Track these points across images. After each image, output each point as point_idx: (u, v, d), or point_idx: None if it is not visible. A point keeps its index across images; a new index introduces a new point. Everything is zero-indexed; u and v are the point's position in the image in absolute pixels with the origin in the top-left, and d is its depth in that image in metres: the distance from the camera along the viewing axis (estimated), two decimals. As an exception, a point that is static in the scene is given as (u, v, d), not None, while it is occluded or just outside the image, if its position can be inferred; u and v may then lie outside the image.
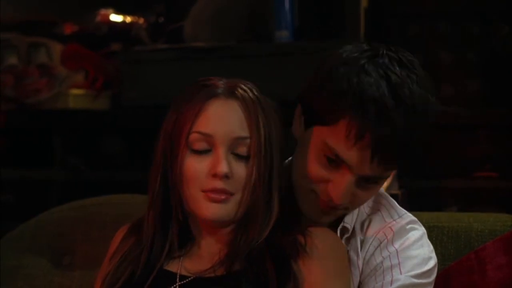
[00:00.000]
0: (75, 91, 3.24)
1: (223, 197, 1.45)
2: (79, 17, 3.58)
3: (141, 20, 3.38)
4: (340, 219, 1.58)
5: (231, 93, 1.49)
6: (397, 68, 1.44)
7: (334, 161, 1.47)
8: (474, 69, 3.18)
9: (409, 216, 1.60)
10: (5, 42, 3.35)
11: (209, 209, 1.46)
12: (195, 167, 1.47)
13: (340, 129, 1.44)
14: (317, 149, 1.48)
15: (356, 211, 1.58)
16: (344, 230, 1.58)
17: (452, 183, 3.07)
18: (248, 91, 1.50)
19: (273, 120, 1.50)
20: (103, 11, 3.45)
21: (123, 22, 3.42)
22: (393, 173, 2.64)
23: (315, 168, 1.49)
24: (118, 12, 3.44)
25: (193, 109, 1.48)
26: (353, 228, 1.58)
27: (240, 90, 1.49)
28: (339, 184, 1.47)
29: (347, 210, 1.54)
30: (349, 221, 1.58)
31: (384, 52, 1.47)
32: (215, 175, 1.45)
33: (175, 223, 1.52)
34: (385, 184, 2.59)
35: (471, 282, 1.68)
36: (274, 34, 2.90)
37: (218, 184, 1.45)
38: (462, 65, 3.19)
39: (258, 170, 1.47)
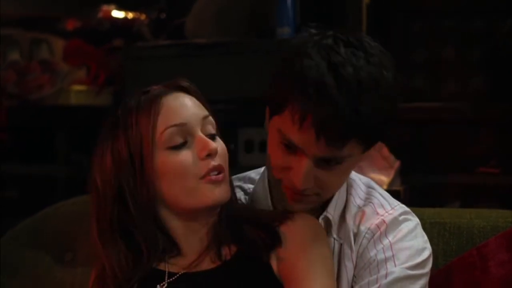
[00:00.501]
0: (77, 87, 3.24)
1: (221, 176, 1.48)
2: (81, 13, 3.58)
3: (143, 16, 3.38)
4: (322, 211, 1.58)
5: (175, 88, 1.53)
6: (342, 48, 1.45)
7: (290, 148, 1.48)
8: (477, 65, 3.18)
9: (402, 207, 1.59)
10: (7, 38, 3.35)
11: (214, 193, 1.47)
12: (181, 160, 1.47)
13: (287, 115, 1.46)
14: (275, 138, 1.51)
15: (339, 201, 1.58)
16: (327, 220, 1.58)
17: (454, 179, 3.07)
18: (186, 82, 1.54)
19: None
20: (105, 7, 3.45)
21: (125, 18, 3.42)
22: (395, 169, 2.65)
23: (277, 157, 1.51)
24: (120, 8, 3.44)
25: (148, 114, 1.48)
26: (345, 220, 1.58)
27: (182, 82, 1.53)
28: (298, 169, 1.48)
29: (319, 196, 1.53)
30: (332, 211, 1.58)
31: (331, 34, 1.48)
32: (208, 155, 1.47)
33: (159, 233, 1.50)
34: (387, 180, 2.60)
35: (473, 278, 1.68)
36: (276, 30, 2.89)
37: (214, 161, 1.47)
38: (465, 61, 3.19)
39: (224, 146, 1.53)
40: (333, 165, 1.49)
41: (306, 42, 1.48)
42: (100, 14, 3.45)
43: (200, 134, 1.49)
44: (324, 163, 1.48)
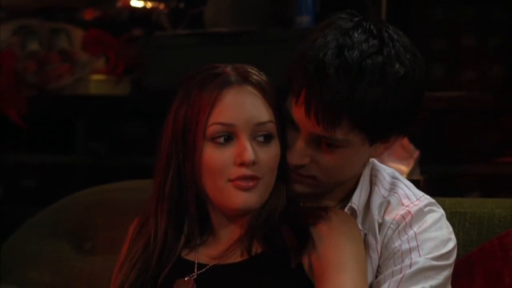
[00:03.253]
0: (96, 77, 3.25)
1: (252, 183, 1.45)
2: (100, 3, 3.58)
3: (162, 6, 3.38)
4: (347, 201, 1.58)
5: (244, 80, 1.48)
6: (357, 34, 1.45)
7: (293, 124, 1.50)
8: (497, 54, 3.15)
9: (427, 198, 1.59)
10: (27, 28, 3.36)
11: (239, 198, 1.46)
12: (219, 158, 1.46)
13: (291, 91, 1.50)
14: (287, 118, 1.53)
15: (363, 191, 1.58)
16: (352, 210, 1.58)
17: (474, 169, 3.05)
18: (260, 75, 1.50)
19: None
20: (124, -3, 3.45)
21: (144, 8, 3.42)
22: (415, 159, 2.64)
23: (287, 136, 1.53)
24: (139, -3, 3.45)
25: (208, 99, 1.46)
26: (370, 211, 1.57)
27: (253, 76, 1.49)
28: (292, 144, 1.51)
29: (317, 180, 1.53)
30: (356, 201, 1.58)
31: (356, 20, 1.48)
32: (242, 164, 1.44)
33: (193, 214, 1.52)
34: (407, 170, 2.59)
35: (495, 268, 1.67)
36: (295, 19, 2.88)
37: (247, 171, 1.45)
38: (485, 49, 3.16)
39: (279, 150, 1.49)
40: (330, 147, 1.49)
41: (330, 23, 1.49)
42: (119, 4, 3.45)
43: (244, 139, 1.45)
44: (319, 142, 1.49)
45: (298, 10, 2.89)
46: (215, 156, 1.46)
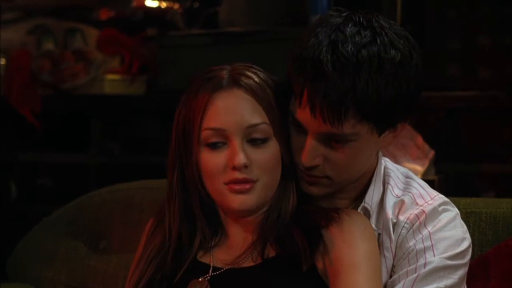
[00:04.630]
0: (111, 76, 3.26)
1: (247, 186, 1.46)
2: (115, 3, 3.59)
3: (177, 6, 3.39)
4: (361, 201, 1.58)
5: (235, 83, 1.49)
6: (348, 27, 1.46)
7: (298, 127, 1.50)
8: (512, 53, 3.14)
9: (442, 198, 1.58)
10: (42, 28, 3.37)
11: (235, 201, 1.47)
12: (213, 162, 1.47)
13: (293, 94, 1.50)
14: (289, 120, 1.52)
15: (376, 191, 1.58)
16: (366, 210, 1.57)
17: (489, 168, 3.04)
18: (253, 76, 1.50)
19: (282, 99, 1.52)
20: (138, -3, 3.46)
21: (159, 8, 3.43)
22: (430, 159, 2.63)
23: (291, 139, 1.53)
24: (153, -3, 3.45)
25: (199, 104, 1.48)
26: (384, 210, 1.57)
27: (244, 79, 1.49)
28: (302, 146, 1.50)
29: (331, 180, 1.53)
30: (369, 201, 1.58)
31: (345, 14, 1.49)
32: (234, 168, 1.45)
33: (199, 215, 1.53)
34: (422, 169, 2.58)
35: (510, 268, 1.66)
36: (309, 18, 2.88)
37: (239, 174, 1.46)
38: (500, 48, 3.15)
39: (277, 151, 1.49)
40: (341, 143, 1.49)
41: (320, 22, 1.49)
42: (134, 4, 3.46)
43: (236, 142, 1.46)
44: (329, 140, 1.49)
45: (312, 9, 2.88)
46: (210, 160, 1.47)
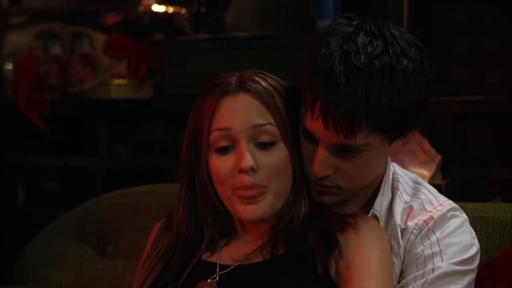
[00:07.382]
0: (118, 81, 3.26)
1: (255, 193, 1.45)
2: (122, 7, 3.60)
3: (183, 10, 3.39)
4: (370, 207, 1.58)
5: (242, 88, 1.49)
6: (360, 37, 1.45)
7: (310, 137, 1.50)
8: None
9: (450, 204, 1.58)
10: (49, 32, 3.38)
11: (245, 211, 1.47)
12: (221, 166, 1.47)
13: (304, 104, 1.49)
14: (299, 130, 1.52)
15: (384, 197, 1.57)
16: (375, 217, 1.57)
17: (496, 173, 3.03)
18: (261, 81, 1.50)
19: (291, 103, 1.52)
20: (145, 1, 3.46)
21: (166, 12, 3.43)
22: (436, 164, 2.62)
23: (302, 148, 1.52)
24: (160, 2, 3.46)
25: (208, 109, 1.49)
26: (392, 216, 1.57)
27: (251, 83, 1.49)
28: (313, 156, 1.49)
29: (342, 189, 1.52)
30: (378, 207, 1.58)
31: (355, 23, 1.48)
32: (241, 171, 1.45)
33: (211, 224, 1.53)
34: (429, 174, 2.58)
35: (518, 274, 1.66)
36: (317, 22, 2.88)
37: (247, 180, 1.45)
38: (509, 52, 3.14)
39: (286, 156, 1.48)
40: (352, 154, 1.48)
41: (331, 30, 1.48)
42: (141, 8, 3.47)
43: (243, 144, 1.47)
44: (341, 151, 1.48)
45: (320, 14, 2.89)
46: (219, 165, 1.48)
